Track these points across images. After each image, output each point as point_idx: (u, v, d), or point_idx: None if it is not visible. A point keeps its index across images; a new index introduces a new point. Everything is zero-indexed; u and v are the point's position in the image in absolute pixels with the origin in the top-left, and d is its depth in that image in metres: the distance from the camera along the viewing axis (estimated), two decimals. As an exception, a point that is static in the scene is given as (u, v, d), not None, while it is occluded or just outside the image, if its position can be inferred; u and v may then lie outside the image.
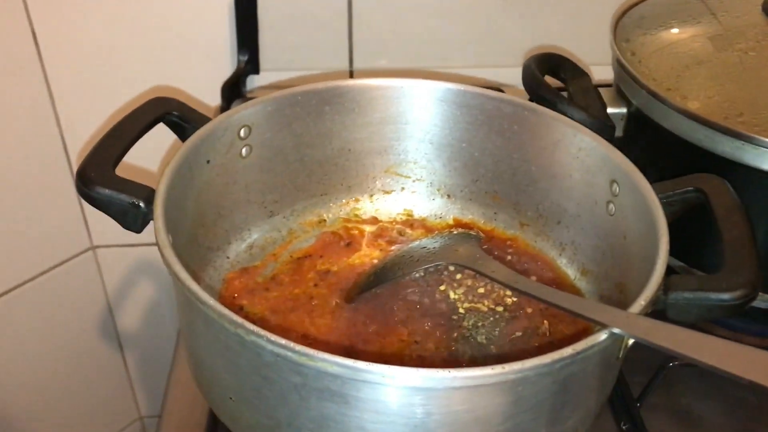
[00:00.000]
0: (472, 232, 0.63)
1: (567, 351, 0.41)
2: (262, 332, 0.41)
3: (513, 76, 0.96)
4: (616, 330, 0.43)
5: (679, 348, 0.40)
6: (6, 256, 0.98)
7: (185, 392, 0.65)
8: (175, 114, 0.60)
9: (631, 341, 0.46)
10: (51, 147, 0.96)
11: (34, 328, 1.06)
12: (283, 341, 0.41)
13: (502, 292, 0.63)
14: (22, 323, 1.04)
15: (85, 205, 1.00)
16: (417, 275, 0.63)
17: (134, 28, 0.91)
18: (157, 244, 0.48)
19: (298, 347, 0.40)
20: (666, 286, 0.47)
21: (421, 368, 0.40)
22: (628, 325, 0.43)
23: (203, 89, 0.96)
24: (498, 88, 0.89)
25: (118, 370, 1.19)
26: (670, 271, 0.49)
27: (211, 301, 0.43)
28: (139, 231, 0.52)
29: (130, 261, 1.10)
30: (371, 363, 0.40)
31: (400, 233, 0.70)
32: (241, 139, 0.62)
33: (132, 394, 1.23)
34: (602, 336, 0.43)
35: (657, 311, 0.48)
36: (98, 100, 0.94)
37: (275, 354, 0.42)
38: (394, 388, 0.42)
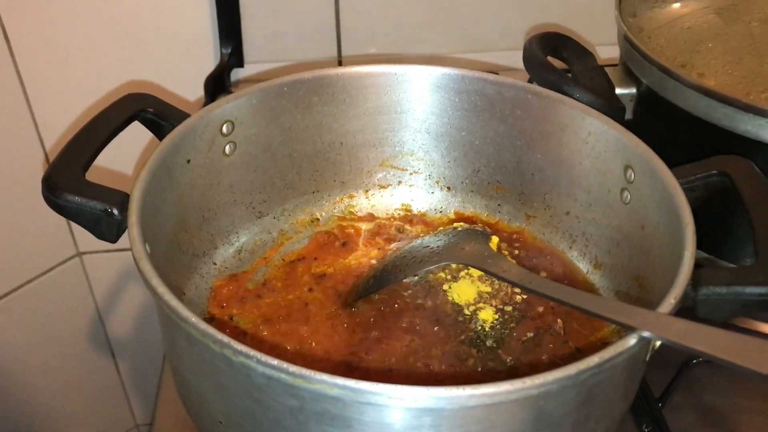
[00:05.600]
0: (478, 228, 0.58)
1: (593, 360, 0.37)
2: (252, 352, 0.37)
3: (511, 60, 0.92)
4: (646, 333, 0.39)
5: (720, 353, 0.36)
6: (-11, 266, 0.94)
7: (175, 405, 0.61)
8: (150, 111, 0.56)
9: (659, 343, 0.41)
10: (29, 153, 0.93)
11: (22, 339, 1.03)
12: (275, 362, 0.36)
13: (510, 290, 0.59)
14: (10, 334, 1.01)
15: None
16: (418, 275, 0.59)
17: (111, 22, 0.87)
18: (132, 255, 0.43)
19: (293, 368, 0.36)
20: (695, 281, 0.43)
21: (432, 387, 0.36)
22: (660, 328, 0.38)
23: (185, 85, 0.92)
24: (495, 73, 0.85)
25: (111, 377, 1.17)
26: (695, 265, 0.45)
27: (193, 318, 0.39)
28: (114, 241, 0.48)
29: (118, 266, 1.07)
30: (375, 383, 0.36)
31: (399, 230, 0.66)
32: (223, 135, 0.58)
33: (126, 402, 1.21)
34: (631, 341, 0.39)
35: (684, 308, 0.44)
36: (77, 103, 0.91)
37: (267, 376, 0.37)
38: (401, 410, 0.37)
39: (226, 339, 0.38)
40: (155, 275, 0.42)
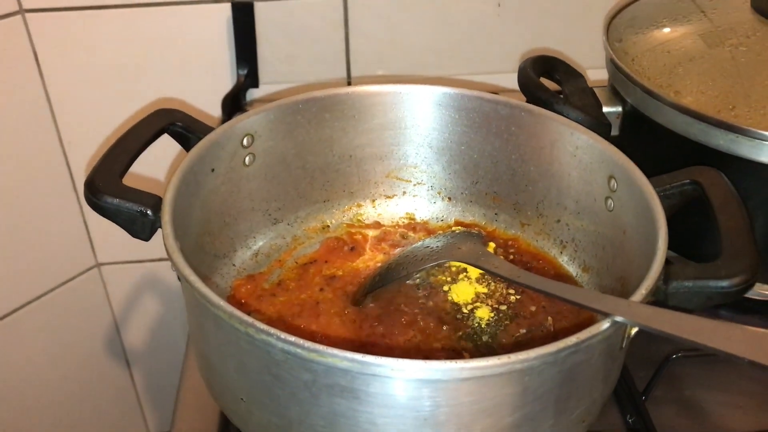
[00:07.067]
0: (473, 231, 0.64)
1: (571, 340, 0.42)
2: (272, 330, 0.42)
3: (508, 82, 0.97)
4: (618, 318, 0.44)
5: (681, 333, 0.41)
6: (11, 275, 0.98)
7: (195, 404, 0.65)
8: (179, 125, 0.61)
9: (633, 331, 0.46)
10: (53, 165, 0.97)
11: (40, 347, 1.06)
12: (293, 338, 0.42)
13: (505, 291, 0.64)
14: (29, 343, 1.04)
15: (90, 222, 1.03)
16: (420, 277, 0.64)
17: (134, 45, 0.92)
18: (166, 250, 0.49)
19: (308, 344, 0.41)
20: (666, 275, 0.48)
21: (429, 360, 0.41)
22: (630, 313, 0.43)
23: (204, 104, 0.97)
24: (494, 93, 0.91)
25: (126, 387, 1.20)
26: (667, 263, 0.50)
27: (222, 302, 0.44)
28: (147, 239, 0.53)
29: (136, 277, 1.10)
30: (380, 357, 0.41)
31: (403, 237, 0.71)
32: (244, 147, 0.63)
33: (140, 411, 1.24)
34: (605, 324, 0.44)
35: (658, 302, 0.49)
36: (100, 120, 0.95)
37: (285, 351, 0.42)
38: (403, 381, 0.42)
39: (249, 319, 0.43)
40: (186, 266, 0.47)
